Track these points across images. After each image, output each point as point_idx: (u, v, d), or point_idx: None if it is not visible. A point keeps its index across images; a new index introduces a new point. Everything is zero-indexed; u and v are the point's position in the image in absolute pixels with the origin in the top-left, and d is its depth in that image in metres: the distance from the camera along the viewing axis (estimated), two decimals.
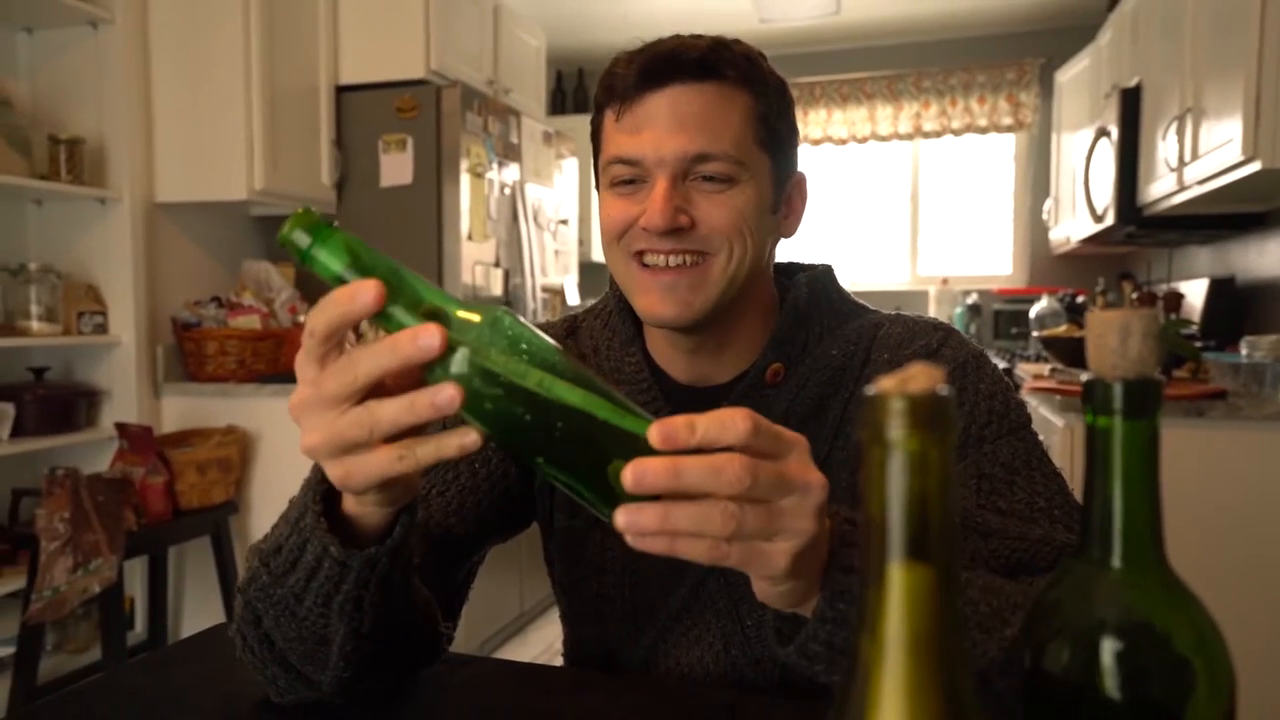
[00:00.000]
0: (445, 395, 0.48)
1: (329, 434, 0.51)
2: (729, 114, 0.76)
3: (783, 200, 0.83)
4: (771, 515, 0.48)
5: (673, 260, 0.77)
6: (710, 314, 0.78)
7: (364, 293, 0.49)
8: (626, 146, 0.77)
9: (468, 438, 0.50)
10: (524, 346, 0.51)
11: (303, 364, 0.52)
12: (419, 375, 0.51)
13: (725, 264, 0.77)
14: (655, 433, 0.47)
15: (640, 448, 0.51)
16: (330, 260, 0.51)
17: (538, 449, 0.51)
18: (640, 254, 0.78)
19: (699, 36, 0.78)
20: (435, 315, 0.51)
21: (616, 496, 0.51)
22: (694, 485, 0.46)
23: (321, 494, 0.60)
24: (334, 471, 0.53)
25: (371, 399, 0.51)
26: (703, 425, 0.47)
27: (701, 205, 0.76)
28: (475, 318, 0.51)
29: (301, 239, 0.50)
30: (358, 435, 0.50)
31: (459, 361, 0.50)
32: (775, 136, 0.79)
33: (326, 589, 0.61)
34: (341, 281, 0.51)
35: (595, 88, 0.82)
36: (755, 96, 0.77)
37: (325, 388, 0.51)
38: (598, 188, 0.83)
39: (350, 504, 0.59)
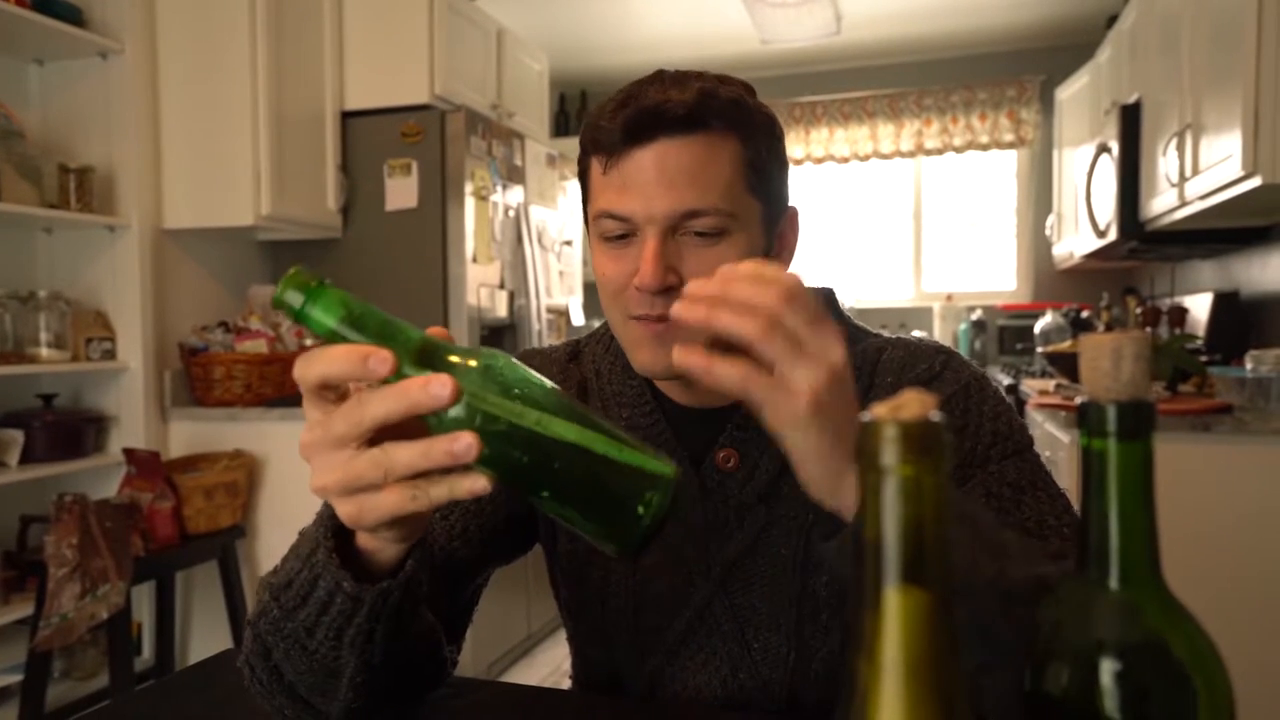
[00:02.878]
0: (463, 444, 0.49)
1: (344, 474, 0.53)
2: (718, 165, 0.75)
3: (775, 238, 0.82)
4: (807, 334, 0.55)
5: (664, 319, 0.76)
6: None
7: (378, 365, 0.50)
8: (615, 203, 0.76)
9: (478, 483, 0.51)
10: (519, 387, 0.53)
11: (310, 407, 0.54)
12: (418, 417, 0.52)
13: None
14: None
15: (640, 479, 0.52)
16: (324, 317, 0.52)
17: (538, 486, 0.53)
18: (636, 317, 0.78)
19: (684, 81, 0.76)
20: (430, 362, 0.52)
21: (618, 530, 0.52)
22: (741, 296, 0.55)
23: (334, 529, 0.61)
24: (345, 509, 0.54)
25: (387, 440, 0.52)
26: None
27: (690, 262, 0.75)
28: (471, 362, 0.53)
29: (294, 299, 0.52)
30: (373, 476, 0.52)
31: (457, 405, 0.51)
32: (765, 178, 0.78)
33: (338, 623, 0.61)
34: (335, 336, 0.52)
35: (583, 122, 0.81)
36: (744, 142, 0.76)
37: (333, 428, 0.52)
38: (587, 229, 0.82)
39: (363, 539, 0.60)
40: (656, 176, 0.74)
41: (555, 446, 0.52)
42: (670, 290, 0.75)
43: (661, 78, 0.77)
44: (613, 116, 0.75)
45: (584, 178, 0.82)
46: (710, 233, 0.75)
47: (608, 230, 0.77)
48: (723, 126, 0.75)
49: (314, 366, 0.52)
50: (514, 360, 0.54)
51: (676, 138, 0.74)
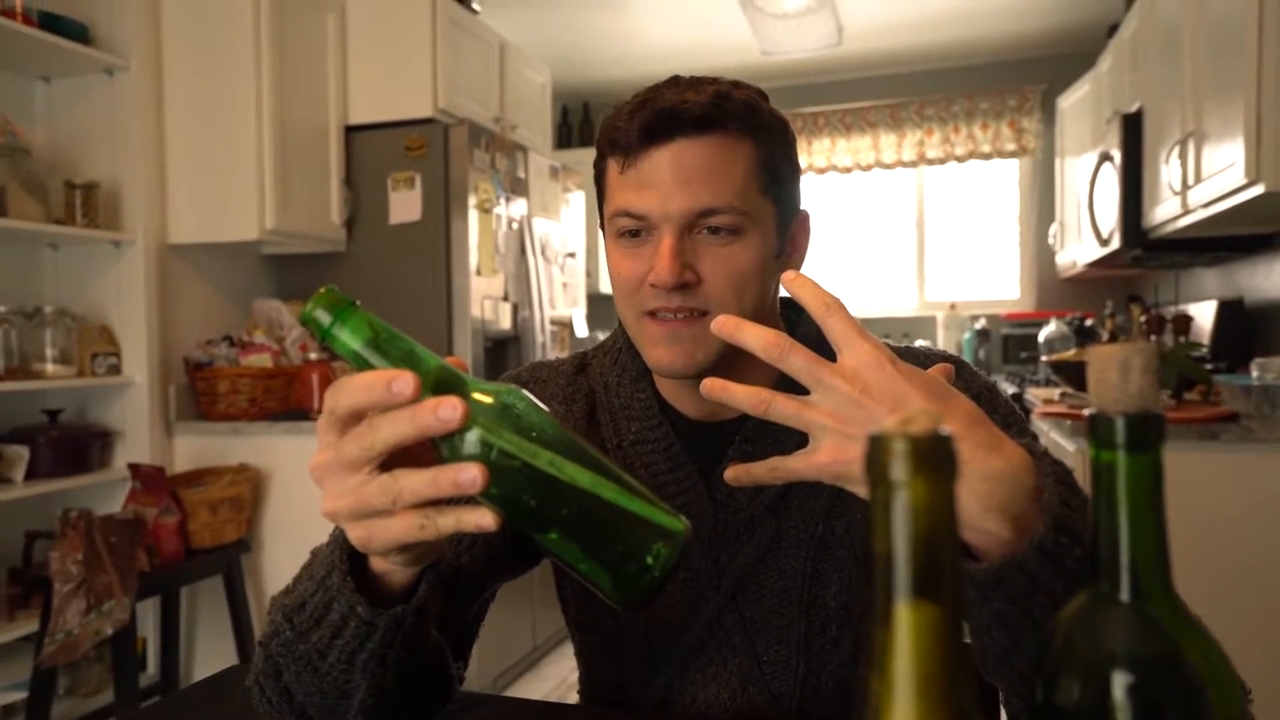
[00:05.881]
0: (469, 475, 0.50)
1: (354, 499, 0.53)
2: (733, 166, 0.76)
3: (786, 241, 0.83)
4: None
5: (680, 315, 0.77)
6: (714, 365, 0.79)
7: (402, 388, 0.50)
8: (632, 201, 0.77)
9: (485, 518, 0.51)
10: (535, 427, 0.53)
11: (323, 430, 0.54)
12: (429, 443, 0.52)
13: None
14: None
15: (651, 532, 0.52)
16: (350, 339, 0.53)
17: (546, 527, 0.53)
18: (651, 313, 0.79)
19: (700, 84, 0.78)
20: (450, 394, 0.52)
21: (623, 581, 0.52)
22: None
23: (349, 551, 0.61)
24: (355, 533, 0.55)
25: (398, 466, 0.52)
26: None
27: (706, 260, 0.76)
28: (489, 399, 0.53)
29: (323, 317, 0.52)
30: (382, 502, 0.52)
31: (472, 439, 0.51)
32: (778, 180, 0.80)
33: (351, 647, 0.61)
34: (359, 358, 0.53)
35: (598, 126, 0.82)
36: (758, 144, 0.78)
37: (345, 452, 0.52)
38: (603, 231, 0.84)
39: (376, 561, 0.60)
40: (672, 175, 0.75)
41: (566, 490, 0.52)
42: (686, 287, 0.76)
43: (677, 82, 0.79)
44: (630, 117, 0.76)
45: (600, 180, 0.83)
46: (725, 230, 0.76)
47: (624, 227, 0.79)
48: (737, 128, 0.76)
49: (343, 397, 0.52)
50: (536, 402, 0.55)
51: (692, 138, 0.75)
